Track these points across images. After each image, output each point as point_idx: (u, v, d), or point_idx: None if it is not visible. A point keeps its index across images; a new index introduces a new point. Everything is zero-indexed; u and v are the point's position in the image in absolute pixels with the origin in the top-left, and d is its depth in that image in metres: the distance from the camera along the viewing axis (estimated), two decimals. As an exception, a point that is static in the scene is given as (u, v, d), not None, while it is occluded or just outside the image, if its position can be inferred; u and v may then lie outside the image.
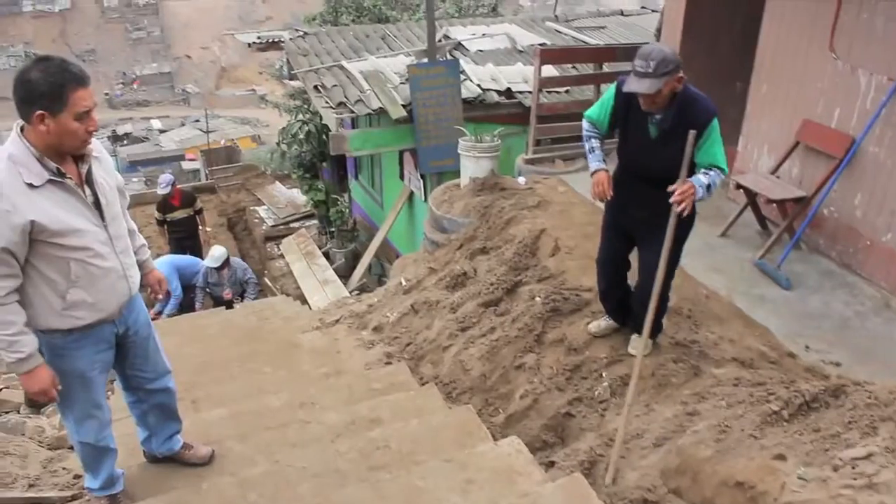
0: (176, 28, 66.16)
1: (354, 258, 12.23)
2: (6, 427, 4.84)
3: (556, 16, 13.52)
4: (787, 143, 5.71)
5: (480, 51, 11.18)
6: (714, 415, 3.34)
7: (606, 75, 8.21)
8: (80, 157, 2.75)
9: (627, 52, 8.13)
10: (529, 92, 8.75)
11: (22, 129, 2.64)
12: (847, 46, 5.14)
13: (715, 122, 3.50)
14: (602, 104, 3.84)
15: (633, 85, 3.45)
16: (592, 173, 3.83)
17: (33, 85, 2.53)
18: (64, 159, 2.70)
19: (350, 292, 9.94)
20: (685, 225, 3.69)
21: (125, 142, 50.48)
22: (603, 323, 4.36)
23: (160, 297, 3.45)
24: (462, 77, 9.58)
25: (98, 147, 2.88)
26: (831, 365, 4.16)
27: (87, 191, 2.77)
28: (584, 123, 3.94)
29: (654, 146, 3.66)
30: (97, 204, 2.80)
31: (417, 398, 4.17)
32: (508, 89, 9.58)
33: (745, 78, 6.27)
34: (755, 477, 2.80)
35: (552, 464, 3.62)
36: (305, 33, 12.11)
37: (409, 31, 12.33)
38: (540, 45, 10.69)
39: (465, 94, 9.41)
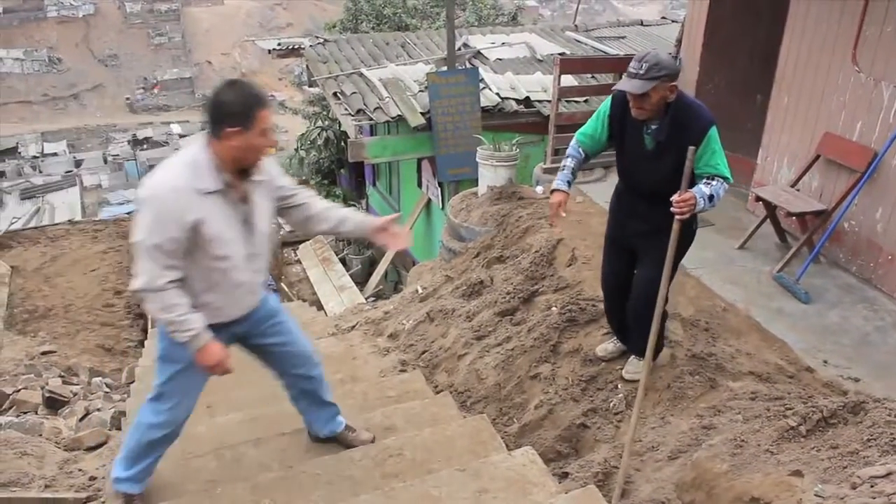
0: (197, 34, 66.74)
1: (371, 265, 12.27)
2: (24, 428, 4.89)
3: (575, 25, 13.52)
4: (807, 156, 5.67)
5: (500, 59, 11.21)
6: (730, 429, 3.32)
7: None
8: (247, 177, 2.97)
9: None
10: (548, 101, 8.76)
11: (209, 141, 2.88)
12: (870, 59, 5.11)
13: (713, 130, 3.45)
14: (597, 116, 3.80)
15: (623, 84, 3.44)
16: (552, 192, 3.81)
17: (227, 106, 2.81)
18: (234, 176, 2.92)
19: (366, 299, 9.97)
20: (684, 241, 3.64)
21: (145, 146, 50.94)
22: (610, 346, 4.33)
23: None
24: (481, 86, 9.60)
25: (267, 169, 3.10)
26: (850, 380, 4.12)
27: (244, 208, 3.00)
28: (573, 141, 3.91)
29: (650, 158, 3.62)
30: (248, 221, 3.02)
31: (432, 406, 4.17)
32: (527, 98, 9.59)
33: (766, 90, 6.24)
34: (771, 493, 2.77)
35: (566, 475, 3.61)
36: (325, 40, 12.18)
37: (428, 40, 12.38)
38: (559, 54, 10.70)
39: (483, 102, 9.43)
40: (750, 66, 6.72)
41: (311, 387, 3.56)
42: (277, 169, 3.24)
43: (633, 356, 4.15)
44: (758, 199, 5.74)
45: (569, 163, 3.85)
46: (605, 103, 3.76)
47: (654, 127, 3.54)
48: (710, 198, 3.41)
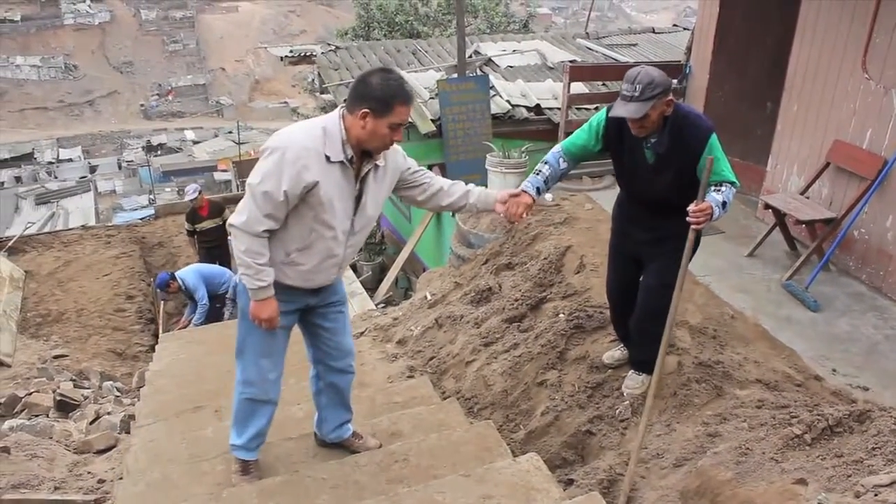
0: (211, 41, 67.23)
1: (381, 271, 12.29)
2: (34, 430, 4.93)
3: (587, 33, 13.53)
4: (817, 164, 5.66)
5: (510, 67, 11.23)
6: (735, 436, 3.31)
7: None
8: (369, 158, 3.08)
9: (657, 71, 8.13)
10: (558, 108, 8.76)
11: (343, 114, 3.00)
12: (880, 67, 5.10)
13: (713, 137, 3.38)
14: (590, 129, 3.68)
15: (619, 110, 3.34)
16: (521, 191, 3.60)
17: (371, 88, 2.91)
18: (357, 153, 3.03)
19: (376, 305, 9.98)
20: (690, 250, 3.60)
21: (159, 152, 51.32)
22: (617, 353, 4.28)
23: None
24: (492, 93, 9.62)
25: (392, 157, 3.21)
26: (858, 389, 4.11)
27: (358, 186, 3.09)
28: (556, 149, 3.78)
29: (651, 171, 3.55)
30: (358, 199, 3.12)
31: (439, 412, 4.18)
32: (538, 105, 9.60)
33: (776, 98, 6.24)
34: (775, 501, 2.76)
35: (571, 482, 3.61)
36: (337, 47, 12.24)
37: (439, 47, 12.42)
38: (570, 61, 10.70)
39: (494, 109, 9.45)
40: (760, 74, 6.72)
41: (341, 384, 3.61)
42: (402, 153, 3.34)
43: (631, 370, 4.11)
44: (767, 206, 5.73)
45: (545, 169, 3.73)
46: (599, 116, 3.67)
47: (653, 140, 3.47)
48: (724, 204, 3.37)
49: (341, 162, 2.98)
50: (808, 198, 5.67)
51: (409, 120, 9.15)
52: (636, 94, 3.26)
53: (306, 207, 3.00)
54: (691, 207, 3.28)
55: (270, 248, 3.08)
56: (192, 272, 9.02)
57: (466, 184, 3.50)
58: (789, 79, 6.03)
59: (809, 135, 5.84)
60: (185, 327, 9.29)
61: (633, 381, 4.04)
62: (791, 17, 5.96)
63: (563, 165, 3.76)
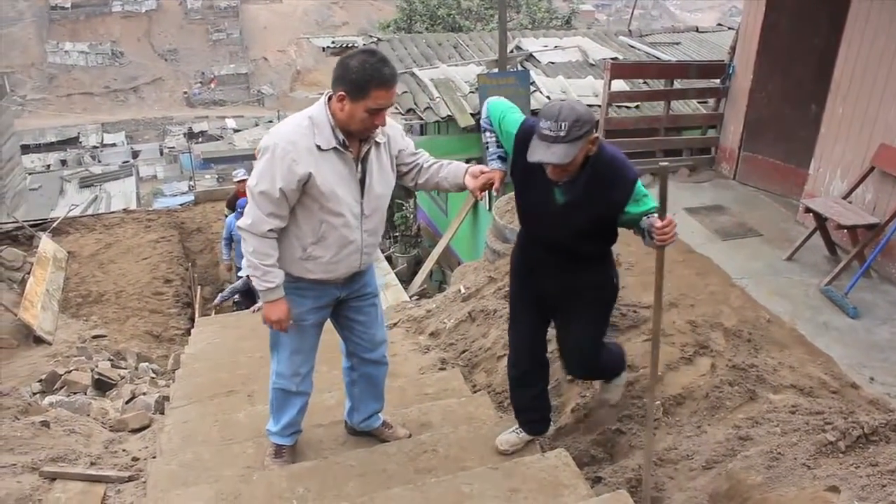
0: (254, 31, 67.83)
1: (416, 264, 12.33)
2: (73, 407, 5.05)
3: (629, 30, 13.42)
4: (861, 168, 5.57)
5: (552, 63, 11.19)
6: (767, 441, 3.27)
7: (677, 91, 8.14)
8: (364, 138, 3.04)
9: (699, 70, 8.05)
10: (598, 105, 8.70)
11: (329, 99, 2.96)
12: (929, 71, 5.00)
13: (638, 185, 2.93)
14: (508, 136, 3.19)
15: (540, 153, 2.77)
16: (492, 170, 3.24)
17: (348, 70, 2.84)
18: (350, 135, 2.99)
19: (410, 297, 10.02)
20: (611, 294, 3.35)
21: (200, 139, 51.91)
22: (513, 437, 3.61)
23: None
24: (532, 88, 9.59)
25: (386, 130, 3.14)
26: (897, 398, 4.04)
27: (359, 167, 3.06)
28: (485, 117, 3.35)
29: (558, 214, 3.04)
30: (363, 181, 3.09)
31: (468, 405, 4.19)
32: (578, 102, 9.54)
33: (821, 100, 6.14)
34: (806, 507, 2.74)
35: (599, 479, 3.59)
36: (379, 39, 12.29)
37: (481, 41, 12.41)
38: (611, 59, 10.62)
39: (534, 105, 9.41)
40: (805, 75, 6.60)
41: (375, 375, 3.65)
42: (400, 132, 3.30)
43: (602, 382, 3.84)
44: (808, 210, 5.65)
45: (493, 140, 3.32)
46: (511, 129, 3.16)
47: (565, 179, 2.95)
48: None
49: (335, 148, 2.96)
50: (850, 202, 5.58)
51: (449, 114, 9.16)
52: (561, 133, 2.72)
53: (310, 200, 2.99)
54: (656, 224, 2.76)
55: (287, 245, 3.09)
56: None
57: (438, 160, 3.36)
58: (835, 80, 5.93)
59: (854, 138, 5.73)
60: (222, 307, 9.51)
61: (611, 394, 3.85)
62: (839, 17, 5.85)
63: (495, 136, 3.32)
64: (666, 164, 2.71)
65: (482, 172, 3.22)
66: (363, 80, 2.82)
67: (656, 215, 2.79)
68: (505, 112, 3.23)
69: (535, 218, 3.23)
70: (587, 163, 2.91)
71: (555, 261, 3.20)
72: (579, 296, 3.22)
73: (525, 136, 2.98)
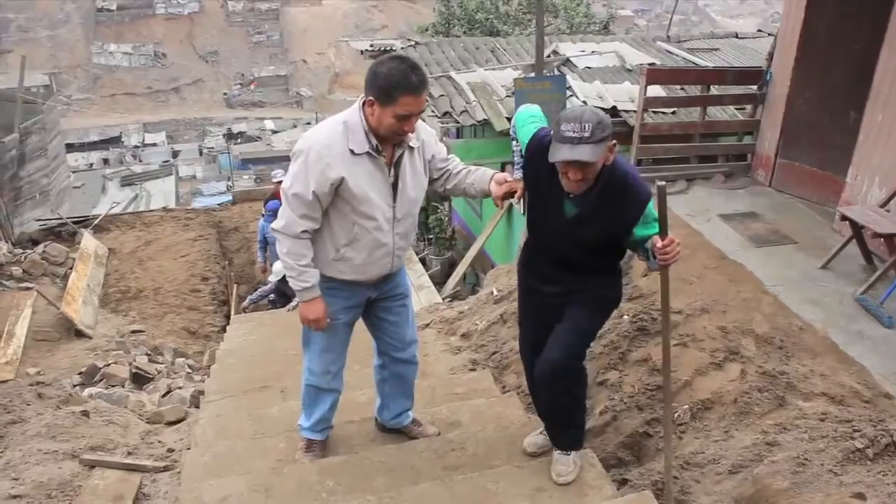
0: (294, 33, 68.43)
1: (450, 266, 12.38)
2: (111, 399, 5.19)
3: (668, 36, 13.35)
4: (899, 177, 5.50)
5: (588, 68, 11.18)
6: (794, 447, 3.27)
7: (713, 97, 8.10)
8: (397, 143, 3.09)
9: (736, 76, 7.99)
10: (634, 111, 8.69)
11: (364, 104, 3.00)
12: (971, 79, 4.93)
13: (650, 205, 2.94)
14: (523, 148, 3.18)
15: (565, 153, 2.74)
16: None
17: (377, 76, 2.90)
18: (383, 140, 3.04)
19: (443, 299, 10.08)
20: (610, 304, 3.31)
21: (239, 140, 52.47)
22: (540, 439, 3.60)
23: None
24: (568, 93, 9.59)
25: (419, 135, 3.20)
26: (930, 410, 3.98)
27: (392, 172, 3.11)
28: (512, 129, 3.35)
29: (567, 227, 3.03)
30: (395, 185, 3.14)
31: (497, 405, 4.24)
32: (614, 107, 9.53)
33: (860, 107, 6.06)
34: (832, 513, 2.74)
35: (625, 482, 3.62)
36: (417, 43, 12.38)
37: (518, 46, 12.44)
38: (648, 64, 10.59)
39: (569, 109, 9.40)
40: (844, 82, 6.52)
41: (406, 374, 3.71)
42: (434, 136, 3.34)
43: (556, 452, 3.40)
44: (844, 218, 5.58)
45: (517, 149, 3.30)
46: (525, 138, 3.15)
47: (580, 191, 2.94)
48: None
49: (368, 153, 3.00)
50: (888, 211, 5.51)
51: (485, 117, 9.20)
52: (586, 134, 2.71)
53: (342, 202, 3.04)
54: (658, 244, 2.79)
55: (321, 246, 3.15)
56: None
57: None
58: (875, 87, 5.86)
59: (894, 146, 5.66)
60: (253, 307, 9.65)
61: (563, 466, 3.33)
62: (881, 23, 5.79)
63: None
64: (663, 184, 2.72)
65: (506, 181, 3.26)
66: (391, 86, 2.86)
67: (657, 235, 2.80)
68: (525, 122, 3.23)
69: (542, 230, 3.23)
70: (602, 174, 2.90)
71: (557, 272, 3.21)
72: (578, 298, 3.19)
73: (536, 146, 3.02)
